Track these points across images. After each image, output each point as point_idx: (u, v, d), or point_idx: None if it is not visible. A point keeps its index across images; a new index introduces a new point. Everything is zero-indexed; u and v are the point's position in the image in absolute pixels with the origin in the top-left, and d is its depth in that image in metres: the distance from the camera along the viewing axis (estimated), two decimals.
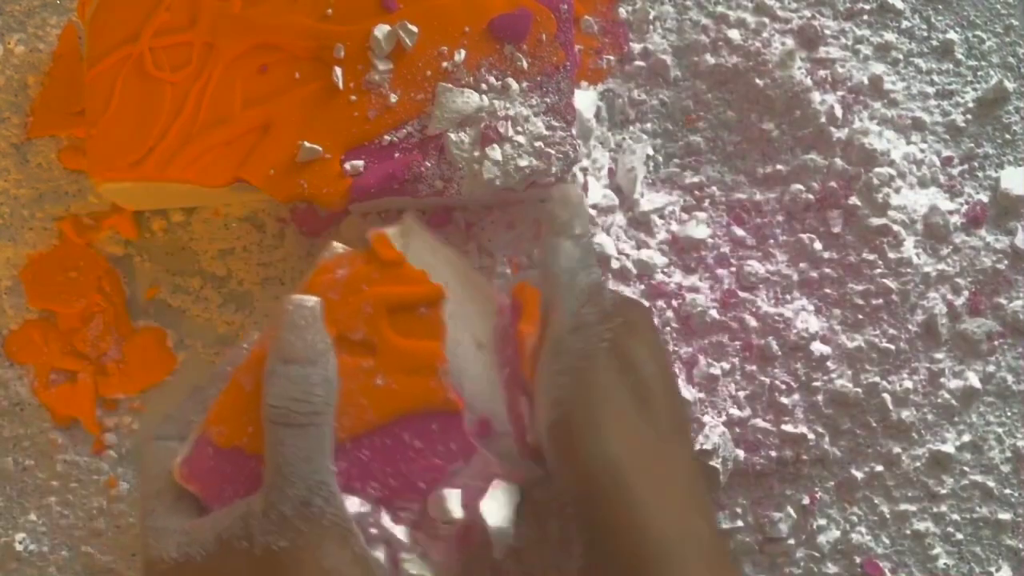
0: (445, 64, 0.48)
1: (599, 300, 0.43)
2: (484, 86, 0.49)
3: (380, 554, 0.41)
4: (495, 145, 0.48)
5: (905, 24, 0.56)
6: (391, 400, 0.42)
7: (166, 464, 0.43)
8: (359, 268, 0.43)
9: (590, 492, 0.40)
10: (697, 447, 0.50)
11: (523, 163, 0.48)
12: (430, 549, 0.42)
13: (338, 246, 0.44)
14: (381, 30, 0.48)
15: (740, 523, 0.51)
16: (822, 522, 0.52)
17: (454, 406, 0.42)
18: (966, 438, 0.52)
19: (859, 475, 0.52)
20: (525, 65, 0.49)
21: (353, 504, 0.41)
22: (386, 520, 0.41)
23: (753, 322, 0.52)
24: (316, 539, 0.39)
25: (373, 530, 0.41)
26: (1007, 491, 0.52)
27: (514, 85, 0.49)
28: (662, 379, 0.43)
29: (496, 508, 0.42)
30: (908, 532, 0.52)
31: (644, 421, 0.41)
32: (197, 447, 0.42)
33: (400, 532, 0.42)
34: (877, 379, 0.52)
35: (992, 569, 0.52)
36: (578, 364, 0.41)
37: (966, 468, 0.52)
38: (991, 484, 0.52)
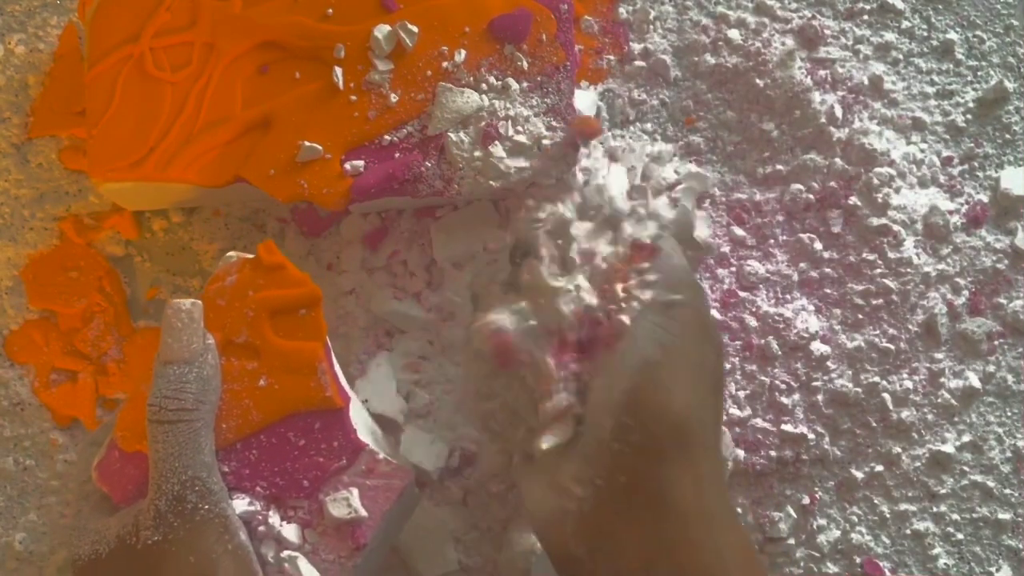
0: (445, 64, 0.48)
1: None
2: (484, 86, 0.49)
3: (270, 552, 0.42)
4: (495, 145, 0.48)
5: (905, 24, 0.56)
6: (274, 400, 0.43)
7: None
8: (245, 274, 0.44)
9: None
10: None
11: (523, 163, 0.48)
12: (320, 547, 0.43)
13: (232, 255, 0.45)
14: (381, 30, 0.48)
15: (741, 523, 0.51)
16: (822, 522, 0.52)
17: (334, 404, 0.43)
18: (966, 438, 0.52)
19: (859, 475, 0.52)
20: (525, 65, 0.49)
21: (241, 503, 0.42)
22: (275, 518, 0.43)
23: (753, 322, 0.52)
24: (188, 534, 0.40)
25: (262, 528, 0.42)
26: (1007, 491, 0.52)
27: (514, 85, 0.49)
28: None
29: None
30: (908, 532, 0.52)
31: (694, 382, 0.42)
32: (108, 451, 0.44)
33: (289, 531, 0.42)
34: (877, 379, 0.52)
35: (992, 569, 0.52)
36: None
37: (966, 468, 0.52)
38: (991, 484, 0.52)
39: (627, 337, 0.41)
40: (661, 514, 0.40)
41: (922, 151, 0.54)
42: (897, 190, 0.53)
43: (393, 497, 0.43)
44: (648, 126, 0.55)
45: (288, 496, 0.43)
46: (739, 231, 0.53)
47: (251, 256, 0.45)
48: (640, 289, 0.42)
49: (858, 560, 0.52)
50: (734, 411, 0.51)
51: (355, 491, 0.43)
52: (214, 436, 0.43)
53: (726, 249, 0.53)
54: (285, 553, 0.42)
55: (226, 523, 0.41)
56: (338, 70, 0.48)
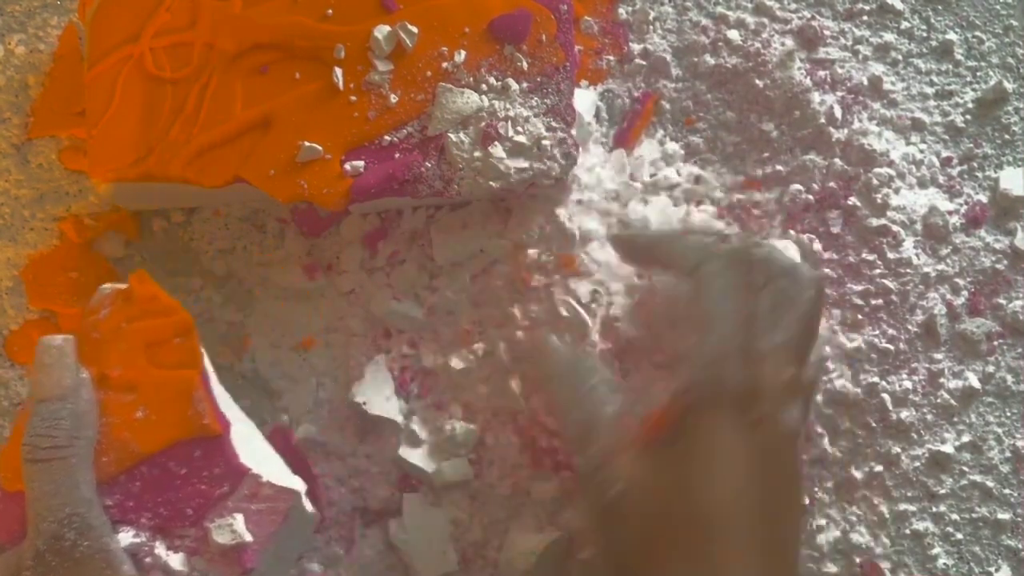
0: (445, 65, 0.49)
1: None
2: (484, 87, 0.49)
3: (155, 555, 0.42)
4: (495, 145, 0.48)
5: (904, 25, 0.56)
6: (153, 431, 0.43)
7: None
8: (118, 306, 0.44)
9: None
10: None
11: (523, 164, 0.48)
12: (208, 574, 0.43)
13: (106, 287, 0.45)
14: (381, 30, 0.48)
15: None
16: (822, 522, 0.52)
17: (213, 431, 0.43)
18: (965, 438, 0.52)
19: (859, 475, 0.52)
20: (525, 66, 0.49)
21: (127, 535, 0.42)
22: (160, 549, 0.42)
23: None
24: (68, 572, 0.40)
25: (148, 559, 0.42)
26: (1006, 491, 0.52)
27: (514, 86, 0.49)
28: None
29: None
30: (907, 532, 0.52)
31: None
32: None
33: (176, 560, 0.42)
34: (877, 379, 0.52)
35: (991, 569, 0.52)
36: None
37: (965, 468, 0.52)
38: (990, 484, 0.52)
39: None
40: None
41: (921, 151, 0.54)
42: (896, 190, 0.53)
43: (279, 519, 0.43)
44: (648, 126, 0.55)
45: (173, 526, 0.43)
46: (738, 231, 0.53)
47: (124, 287, 0.45)
48: None
49: (858, 560, 0.52)
50: None
51: (240, 516, 0.43)
52: (94, 470, 0.42)
53: None
54: None
55: (108, 558, 0.41)
56: (338, 70, 0.48)
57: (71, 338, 0.43)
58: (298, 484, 0.45)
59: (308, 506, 0.46)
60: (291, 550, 0.48)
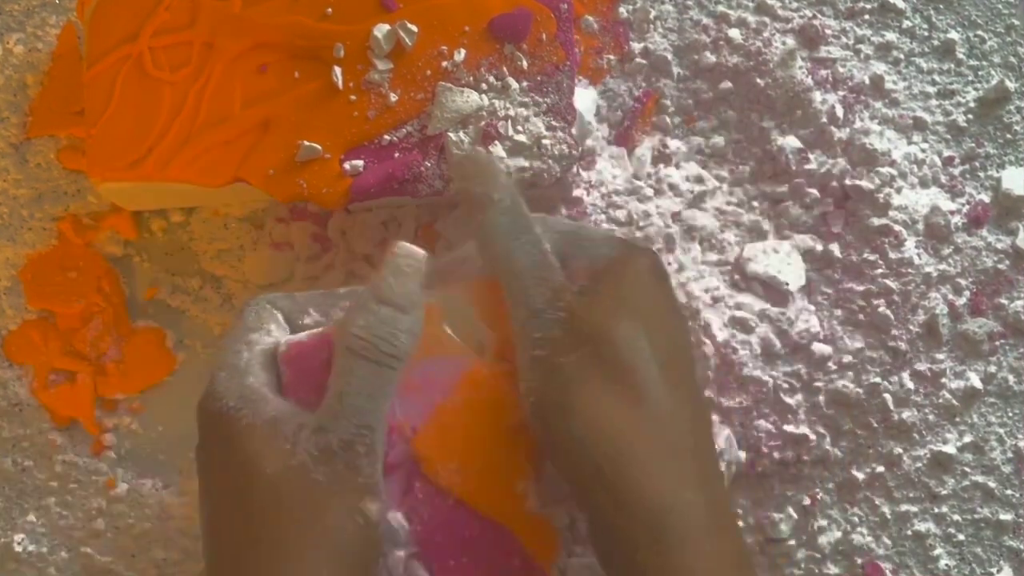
0: (445, 64, 0.48)
1: (548, 274, 0.41)
2: (484, 86, 0.48)
3: (400, 553, 0.40)
4: (495, 145, 0.48)
5: (906, 24, 0.56)
6: (508, 512, 0.41)
7: (267, 324, 0.42)
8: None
9: (575, 478, 0.39)
10: None
11: (523, 163, 0.48)
12: None
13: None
14: (381, 30, 0.48)
15: (741, 524, 0.51)
16: (823, 523, 0.52)
17: (547, 570, 0.41)
18: (967, 439, 0.52)
19: (860, 476, 0.52)
20: (525, 65, 0.49)
21: (395, 518, 0.40)
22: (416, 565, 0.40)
23: (754, 322, 0.52)
24: (348, 492, 0.38)
25: (400, 552, 0.40)
26: (1008, 492, 0.52)
27: (514, 85, 0.48)
28: (659, 341, 0.41)
29: None
30: (909, 533, 0.52)
31: (623, 397, 0.39)
32: (312, 339, 0.42)
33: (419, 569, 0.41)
34: (878, 379, 0.52)
35: (993, 570, 0.52)
36: (535, 353, 0.40)
37: (967, 469, 0.52)
38: (992, 485, 0.52)
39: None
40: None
41: (923, 151, 0.54)
42: (898, 190, 0.53)
43: None
44: (648, 126, 0.55)
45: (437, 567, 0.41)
46: (739, 231, 0.53)
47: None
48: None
49: (859, 561, 0.51)
50: (735, 412, 0.51)
51: None
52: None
53: (726, 249, 0.53)
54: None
55: (379, 499, 0.39)
56: (337, 70, 0.48)
57: (427, 255, 0.40)
58: None
59: None
60: None
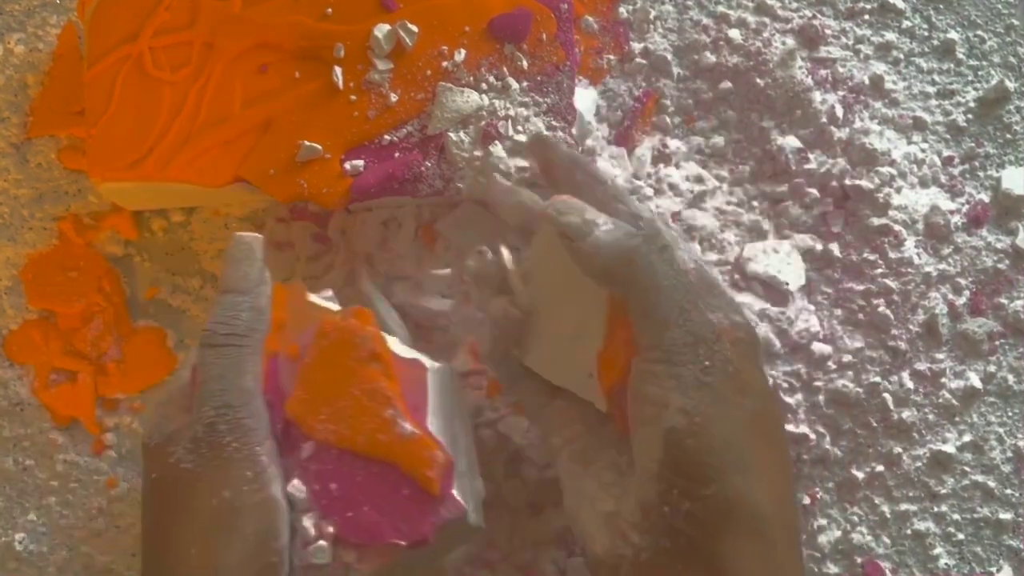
0: (445, 64, 0.48)
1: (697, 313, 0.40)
2: (484, 86, 0.49)
3: (309, 524, 0.41)
4: (495, 144, 0.48)
5: (906, 24, 0.56)
6: (385, 441, 0.42)
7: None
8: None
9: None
10: None
11: (523, 163, 0.48)
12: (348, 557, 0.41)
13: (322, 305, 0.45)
14: (381, 30, 0.48)
15: None
16: (823, 522, 0.52)
17: (432, 487, 0.41)
18: (967, 438, 0.52)
19: (860, 475, 0.52)
20: (525, 65, 0.49)
21: (293, 486, 0.41)
22: (314, 518, 0.41)
23: (754, 322, 0.52)
24: (214, 471, 0.39)
25: (307, 518, 0.41)
26: (1008, 491, 0.52)
27: (514, 85, 0.49)
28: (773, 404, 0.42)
29: None
30: (909, 532, 0.52)
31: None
32: None
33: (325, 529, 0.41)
34: (878, 379, 0.52)
35: (993, 569, 0.52)
36: (703, 378, 0.39)
37: (967, 468, 0.52)
38: (992, 484, 0.52)
39: (640, 395, 0.39)
40: None
41: (923, 151, 0.54)
42: (898, 190, 0.53)
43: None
44: (648, 127, 0.55)
45: (333, 521, 0.41)
46: (739, 231, 0.53)
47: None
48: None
49: (859, 560, 0.51)
50: None
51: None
52: (262, 370, 0.42)
53: (726, 249, 0.53)
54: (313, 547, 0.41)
55: (256, 469, 0.40)
56: (338, 70, 0.48)
57: (260, 237, 0.43)
58: (472, 494, 0.44)
59: (475, 521, 0.43)
60: (439, 554, 0.46)
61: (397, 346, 0.44)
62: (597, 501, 0.41)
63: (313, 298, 0.44)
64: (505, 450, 0.51)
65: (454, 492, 0.41)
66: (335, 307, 0.45)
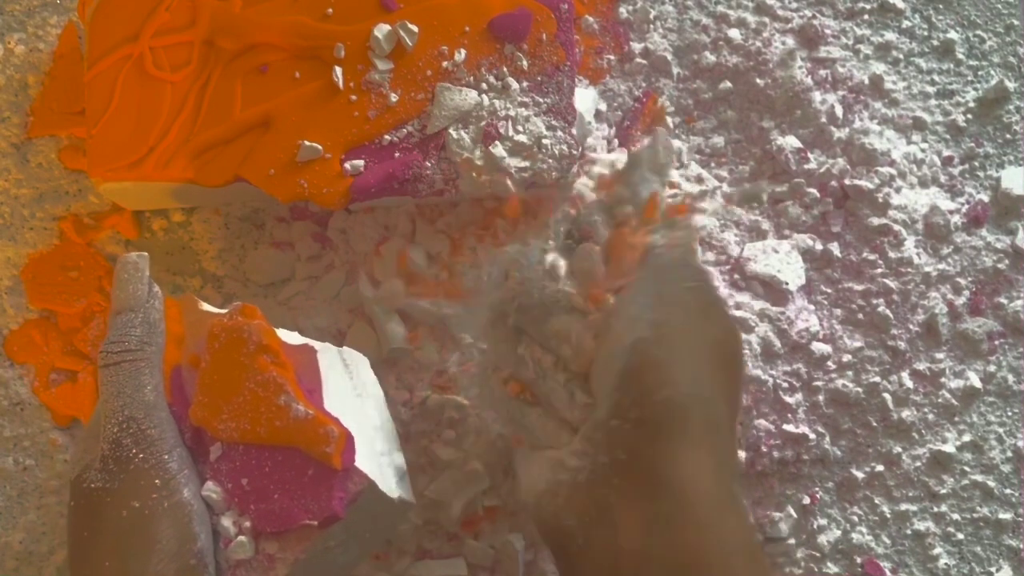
0: (445, 64, 0.48)
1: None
2: (484, 86, 0.49)
3: (228, 523, 0.42)
4: (495, 145, 0.48)
5: (906, 24, 0.56)
6: (281, 428, 0.42)
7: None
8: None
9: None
10: None
11: (523, 163, 0.48)
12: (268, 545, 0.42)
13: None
14: (381, 30, 0.48)
15: (746, 512, 0.51)
16: (823, 522, 0.52)
17: (332, 461, 0.41)
18: (967, 438, 0.52)
19: (860, 475, 0.52)
20: (525, 65, 0.49)
21: (207, 488, 0.42)
22: (233, 515, 0.42)
23: (754, 322, 0.52)
24: (123, 484, 0.40)
25: (226, 521, 0.42)
26: (1007, 491, 0.52)
27: (514, 85, 0.49)
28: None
29: None
30: (909, 532, 0.52)
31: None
32: None
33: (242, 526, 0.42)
34: (878, 379, 0.52)
35: (992, 569, 0.52)
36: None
37: (967, 468, 0.52)
38: (991, 484, 0.52)
39: (619, 315, 0.41)
40: (659, 492, 0.38)
41: (923, 151, 0.54)
42: (898, 190, 0.53)
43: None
44: (648, 127, 0.55)
45: (248, 512, 0.42)
46: (739, 231, 0.53)
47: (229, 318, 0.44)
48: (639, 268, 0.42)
49: (859, 560, 0.52)
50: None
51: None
52: (163, 382, 0.42)
53: (726, 249, 0.53)
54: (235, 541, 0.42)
55: (165, 476, 0.40)
56: (338, 70, 0.48)
57: (146, 255, 0.44)
58: (394, 470, 0.45)
59: (396, 494, 0.44)
60: (372, 533, 0.47)
61: (286, 335, 0.45)
62: (545, 459, 0.41)
63: (205, 307, 0.45)
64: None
65: (357, 464, 0.42)
66: (214, 311, 0.45)
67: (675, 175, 0.53)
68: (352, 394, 0.45)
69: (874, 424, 0.52)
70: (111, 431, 0.41)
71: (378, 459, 0.44)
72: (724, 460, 0.40)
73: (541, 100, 0.49)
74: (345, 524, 0.42)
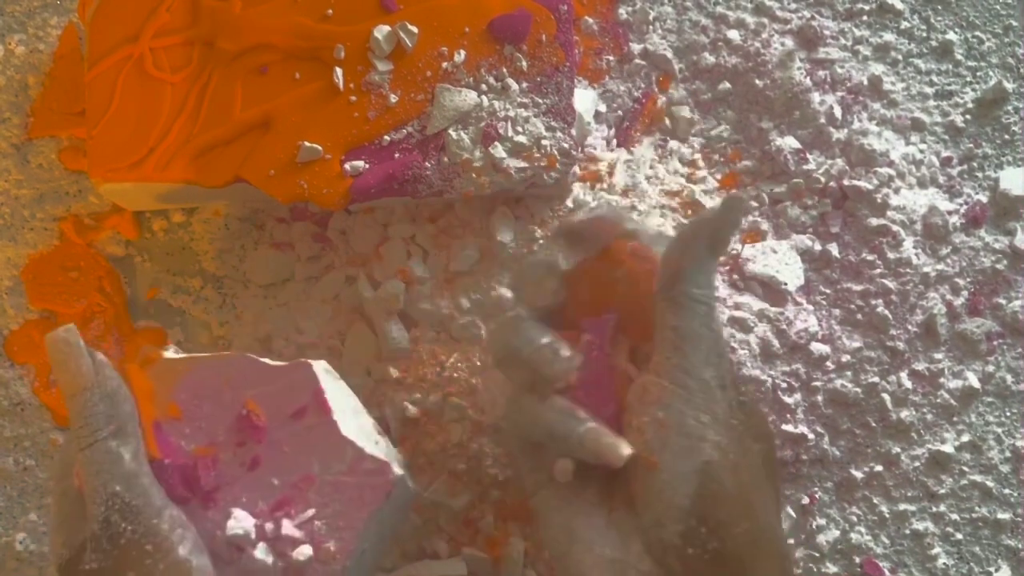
0: (445, 65, 0.49)
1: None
2: (484, 87, 0.49)
3: (263, 556, 0.42)
4: (495, 145, 0.48)
5: (904, 25, 0.56)
6: None
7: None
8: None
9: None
10: None
11: (523, 163, 0.48)
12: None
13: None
14: (381, 31, 0.48)
15: None
16: (821, 522, 0.52)
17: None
18: (965, 438, 0.52)
19: (858, 475, 0.52)
20: (525, 66, 0.49)
21: (234, 524, 0.42)
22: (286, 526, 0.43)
23: (753, 322, 0.52)
24: (116, 562, 0.40)
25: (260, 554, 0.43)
26: (1006, 491, 0.52)
27: (514, 86, 0.49)
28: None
29: None
30: (907, 532, 0.52)
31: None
32: None
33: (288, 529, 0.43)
34: (876, 379, 0.52)
35: (991, 569, 0.52)
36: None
37: (965, 468, 0.52)
38: (990, 484, 0.52)
39: (674, 428, 0.40)
40: None
41: (921, 151, 0.54)
42: (896, 190, 0.53)
43: (381, 496, 0.43)
44: (648, 127, 0.55)
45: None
46: (738, 232, 0.53)
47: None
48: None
49: (857, 560, 0.52)
50: None
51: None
52: (141, 445, 0.42)
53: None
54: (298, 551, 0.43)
55: (156, 540, 0.40)
56: (338, 70, 0.48)
57: (72, 327, 0.42)
58: (399, 460, 0.45)
59: (410, 482, 0.45)
60: (391, 527, 0.47)
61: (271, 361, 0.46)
62: (595, 545, 0.40)
63: (167, 354, 0.45)
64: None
65: (384, 458, 0.43)
66: (188, 355, 0.46)
67: (673, 175, 0.53)
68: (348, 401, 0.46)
69: (873, 424, 0.52)
70: (98, 511, 0.40)
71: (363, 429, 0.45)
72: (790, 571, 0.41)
73: (540, 101, 0.49)
74: (378, 518, 0.43)
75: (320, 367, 0.45)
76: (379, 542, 0.45)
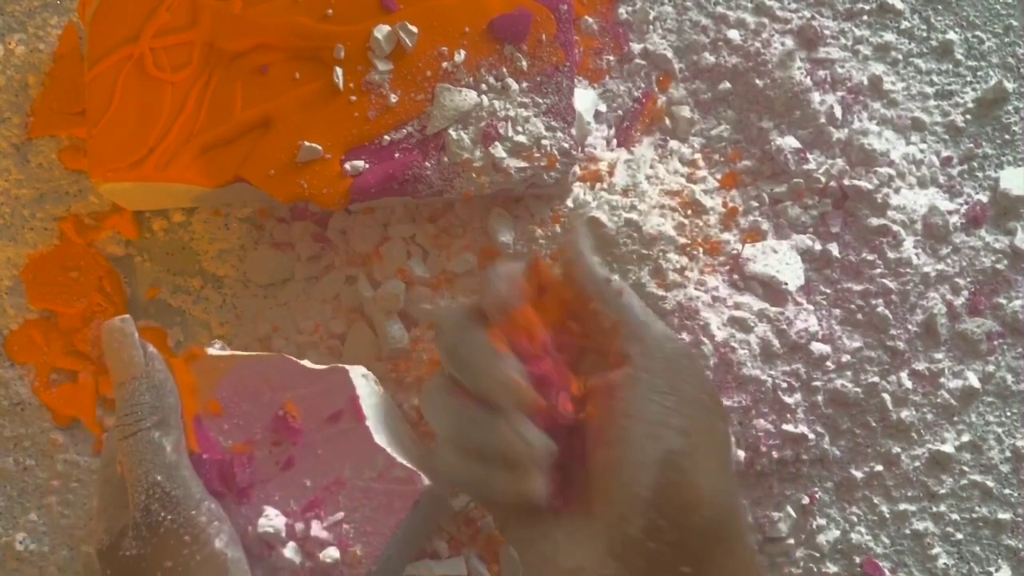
0: (445, 64, 0.49)
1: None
2: (484, 86, 0.49)
3: (292, 555, 0.43)
4: (495, 145, 0.48)
5: (905, 24, 0.56)
6: None
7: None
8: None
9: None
10: None
11: (523, 163, 0.48)
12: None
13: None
14: (381, 30, 0.48)
15: None
16: (822, 522, 0.52)
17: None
18: (965, 438, 0.52)
19: (859, 475, 0.52)
20: (525, 66, 0.49)
21: (265, 522, 0.43)
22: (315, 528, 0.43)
23: (753, 322, 0.52)
24: (155, 549, 0.41)
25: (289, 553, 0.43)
26: (1006, 491, 0.52)
27: (514, 86, 0.49)
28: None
29: None
30: (908, 532, 0.52)
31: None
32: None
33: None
34: (877, 379, 0.52)
35: (991, 569, 0.52)
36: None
37: (965, 468, 0.52)
38: (990, 484, 0.52)
39: (634, 416, 0.39)
40: None
41: (921, 151, 0.54)
42: (897, 190, 0.53)
43: (408, 505, 0.43)
44: (648, 127, 0.55)
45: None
46: (738, 232, 0.53)
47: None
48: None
49: (858, 560, 0.52)
50: (734, 411, 0.51)
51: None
52: (183, 438, 0.43)
53: (725, 249, 0.53)
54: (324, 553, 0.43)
55: (194, 531, 0.41)
56: (338, 70, 0.48)
57: (128, 318, 0.44)
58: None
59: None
60: (418, 535, 0.48)
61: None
62: (558, 557, 0.39)
63: (211, 351, 0.46)
64: None
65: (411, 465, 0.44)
66: (232, 352, 0.46)
67: (673, 175, 0.53)
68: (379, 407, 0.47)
69: (873, 424, 0.52)
70: (139, 499, 0.41)
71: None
72: (752, 561, 0.41)
73: (540, 101, 0.49)
74: (405, 526, 0.43)
75: (357, 372, 0.46)
76: (405, 549, 0.45)
